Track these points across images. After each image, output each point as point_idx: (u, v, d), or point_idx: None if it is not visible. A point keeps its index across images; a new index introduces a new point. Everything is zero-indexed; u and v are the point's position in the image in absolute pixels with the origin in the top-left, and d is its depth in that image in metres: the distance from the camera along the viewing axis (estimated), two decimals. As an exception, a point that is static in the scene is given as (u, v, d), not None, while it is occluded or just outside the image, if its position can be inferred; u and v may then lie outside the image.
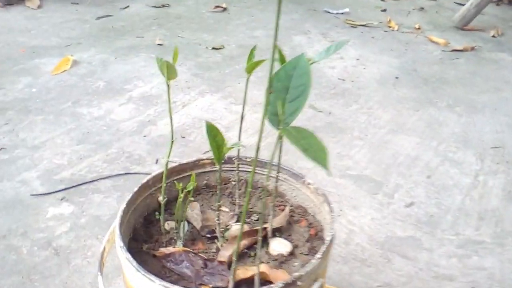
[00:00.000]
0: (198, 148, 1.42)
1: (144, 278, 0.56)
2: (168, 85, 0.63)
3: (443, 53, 2.31)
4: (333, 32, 2.48)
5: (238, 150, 0.74)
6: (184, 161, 0.77)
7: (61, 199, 1.18)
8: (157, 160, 1.36)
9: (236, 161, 0.76)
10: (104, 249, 0.66)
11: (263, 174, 0.80)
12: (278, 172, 0.70)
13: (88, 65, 1.95)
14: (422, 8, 3.08)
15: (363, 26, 2.63)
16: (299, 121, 1.72)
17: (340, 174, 1.35)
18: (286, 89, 0.54)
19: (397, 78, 2.01)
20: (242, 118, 0.71)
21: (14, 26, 2.35)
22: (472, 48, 2.39)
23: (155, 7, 2.76)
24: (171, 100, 1.70)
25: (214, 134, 0.62)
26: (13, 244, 1.03)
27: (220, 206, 0.70)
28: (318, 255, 0.60)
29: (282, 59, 0.62)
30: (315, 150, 0.48)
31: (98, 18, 2.53)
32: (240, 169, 0.79)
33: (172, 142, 0.67)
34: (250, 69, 0.63)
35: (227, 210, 0.78)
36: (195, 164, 0.78)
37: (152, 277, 0.55)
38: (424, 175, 1.38)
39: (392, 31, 2.59)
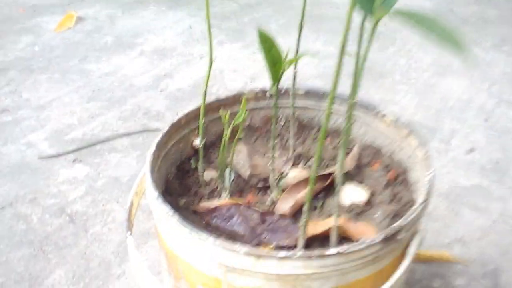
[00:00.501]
0: (223, 100, 1.26)
1: (192, 236, 0.41)
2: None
3: (479, -8, 2.10)
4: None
5: (295, 73, 0.58)
6: (223, 96, 0.61)
7: (73, 161, 1.03)
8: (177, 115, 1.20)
9: (289, 92, 0.60)
10: (132, 204, 0.51)
11: (320, 110, 0.64)
12: (353, 99, 0.54)
13: (93, 21, 1.78)
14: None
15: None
16: (328, 69, 1.53)
17: (386, 121, 1.18)
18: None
19: (433, 19, 1.81)
20: (302, 20, 0.54)
21: (12, -13, 2.18)
22: (510, -14, 2.16)
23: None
24: (201, 66, 1.53)
25: (269, 47, 0.46)
26: (22, 212, 0.89)
27: (274, 146, 0.54)
28: (420, 199, 0.44)
29: None
30: (442, 34, 0.32)
31: (101, -26, 2.33)
32: (280, 104, 0.63)
33: (211, 62, 0.51)
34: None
35: (277, 155, 0.62)
36: (236, 99, 0.62)
37: (204, 235, 0.40)
38: (481, 118, 1.22)
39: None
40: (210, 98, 0.62)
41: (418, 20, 0.33)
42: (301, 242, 0.46)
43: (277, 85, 0.48)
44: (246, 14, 1.84)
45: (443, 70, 1.45)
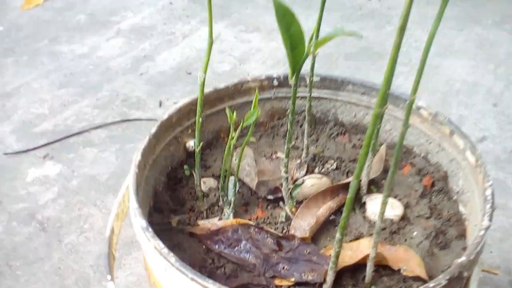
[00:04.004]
0: (210, 85, 1.14)
1: (193, 284, 0.30)
2: None
3: (475, -34, 2.00)
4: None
5: (314, 58, 0.47)
6: (221, 85, 0.50)
7: (44, 157, 0.91)
8: (160, 103, 1.09)
9: (307, 79, 0.49)
10: (112, 231, 0.40)
11: (337, 101, 0.53)
12: (386, 92, 0.43)
13: (64, -3, 1.63)
14: None
15: None
16: (327, 48, 1.44)
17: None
18: None
19: (429, -5, 1.71)
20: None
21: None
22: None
23: None
24: (185, 46, 1.41)
25: (288, 23, 0.35)
26: (-16, 220, 0.78)
27: (289, 149, 0.44)
28: (485, 222, 0.35)
29: None
30: None
31: None
32: (303, 97, 0.53)
33: (211, 43, 0.40)
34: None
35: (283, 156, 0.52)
36: (237, 89, 0.52)
37: (210, 283, 0.30)
38: (489, 103, 1.13)
39: None
40: (205, 88, 0.51)
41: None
42: (330, 278, 0.36)
43: (298, 74, 0.37)
44: (231, -11, 1.71)
45: (445, 50, 1.36)
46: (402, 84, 1.19)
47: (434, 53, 1.34)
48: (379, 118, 0.31)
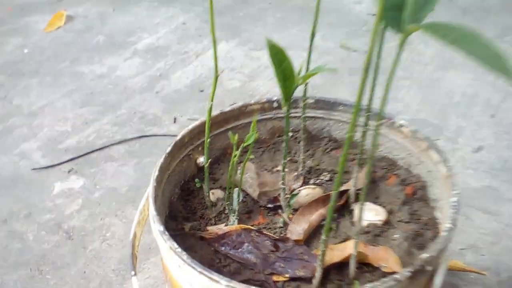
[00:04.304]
0: (221, 101, 1.22)
1: (202, 276, 0.37)
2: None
3: (478, -20, 2.06)
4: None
5: (306, 85, 0.54)
6: (227, 108, 0.58)
7: (69, 172, 0.99)
8: (175, 119, 1.16)
9: (302, 102, 0.56)
10: (135, 235, 0.47)
11: (330, 119, 0.60)
12: (369, 112, 0.50)
13: (84, 19, 1.72)
14: None
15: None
16: (333, 63, 1.50)
17: (390, 119, 1.15)
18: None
19: (432, 10, 1.77)
20: (313, 35, 0.51)
21: (-2, -15, 2.11)
22: (509, -27, 2.12)
23: (151, -46, 2.49)
24: (205, 53, 1.49)
25: (280, 60, 0.42)
26: (17, 230, 0.85)
27: (285, 164, 0.51)
28: (447, 225, 0.41)
29: None
30: (485, 54, 0.28)
31: (90, -30, 2.27)
32: (299, 116, 0.60)
33: (217, 76, 0.47)
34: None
35: (286, 170, 0.58)
36: (241, 111, 0.59)
37: (215, 276, 0.37)
38: (487, 114, 1.18)
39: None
40: (213, 109, 0.58)
41: (458, 36, 0.29)
42: (319, 273, 0.43)
43: (289, 102, 0.44)
44: (241, 8, 1.79)
45: (446, 63, 1.42)
46: (403, 97, 1.25)
47: (436, 66, 1.40)
48: (350, 140, 0.37)
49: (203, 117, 0.55)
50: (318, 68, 0.42)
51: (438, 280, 0.41)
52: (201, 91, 1.28)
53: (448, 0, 1.86)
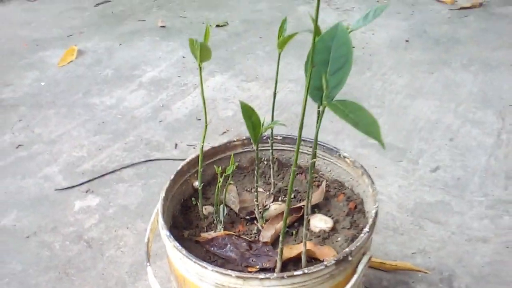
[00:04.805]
0: (215, 129, 1.41)
1: (196, 265, 0.55)
2: (200, 68, 0.61)
3: (451, 12, 2.26)
4: None
5: (272, 129, 0.73)
6: (216, 144, 0.76)
7: (86, 192, 1.17)
8: (176, 145, 1.35)
9: (269, 140, 0.74)
10: (149, 239, 0.65)
11: (294, 151, 0.78)
12: (315, 147, 0.68)
13: (93, 53, 1.92)
14: (424, -33, 3.00)
15: (367, -9, 2.57)
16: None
17: (361, 144, 1.33)
18: (326, 62, 0.52)
19: (407, 41, 1.97)
20: (274, 95, 0.69)
21: (14, 20, 2.32)
22: (480, 4, 2.33)
23: (152, -11, 2.71)
24: (203, 84, 1.68)
25: (249, 115, 0.61)
26: (45, 240, 1.03)
27: (257, 187, 0.69)
28: (366, 229, 0.59)
29: (317, 31, 0.59)
30: (366, 124, 0.46)
31: (97, 4, 2.48)
32: (269, 148, 0.78)
33: (206, 126, 0.65)
34: (282, 44, 0.61)
35: (261, 190, 0.77)
36: (227, 147, 0.77)
37: (204, 264, 0.55)
38: (447, 138, 1.37)
39: (397, -7, 2.53)
40: (208, 136, 0.76)
41: (351, 110, 0.47)
42: (279, 265, 0.61)
43: (257, 144, 0.63)
44: (235, 42, 1.98)
45: (415, 92, 1.60)
46: (374, 124, 1.43)
47: (406, 95, 1.58)
48: (294, 173, 0.55)
49: (200, 143, 0.73)
50: (273, 123, 0.60)
51: (360, 268, 0.58)
52: (198, 119, 1.47)
53: (422, 32, 2.06)
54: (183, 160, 0.75)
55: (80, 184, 1.19)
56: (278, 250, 0.60)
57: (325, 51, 0.52)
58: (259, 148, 0.79)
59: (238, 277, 0.53)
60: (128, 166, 1.26)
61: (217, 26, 2.14)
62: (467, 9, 2.29)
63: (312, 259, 0.64)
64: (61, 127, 1.45)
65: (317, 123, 0.55)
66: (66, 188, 1.18)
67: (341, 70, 0.51)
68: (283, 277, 0.53)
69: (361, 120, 0.46)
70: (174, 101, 1.57)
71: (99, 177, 1.22)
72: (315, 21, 0.47)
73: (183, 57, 1.86)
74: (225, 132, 1.39)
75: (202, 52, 0.57)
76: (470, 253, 1.00)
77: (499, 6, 2.32)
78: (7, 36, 2.12)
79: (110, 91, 1.64)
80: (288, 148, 0.79)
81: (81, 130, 1.43)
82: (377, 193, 0.65)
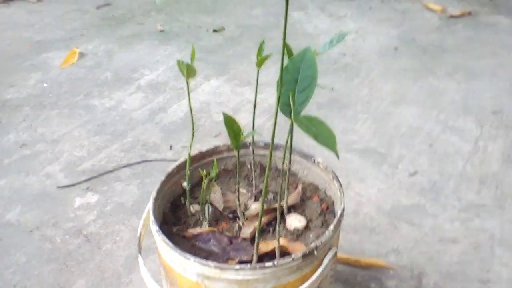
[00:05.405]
0: (209, 132, 1.49)
1: (180, 256, 0.63)
2: (187, 83, 0.69)
3: (440, 21, 2.34)
4: (331, 6, 2.51)
5: (253, 136, 0.81)
6: (204, 149, 0.84)
7: (86, 189, 1.25)
8: (171, 147, 1.43)
9: (251, 146, 0.83)
10: (141, 233, 0.73)
11: (275, 156, 0.86)
12: (290, 154, 0.76)
13: (94, 56, 2.00)
14: (418, -25, 3.08)
15: (360, -2, 2.65)
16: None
17: (346, 148, 1.41)
18: (296, 81, 0.60)
19: (396, 49, 2.05)
20: (254, 107, 0.77)
21: (18, 21, 2.39)
22: (469, 13, 2.41)
23: (153, -8, 2.78)
24: (190, 99, 1.75)
25: (231, 125, 0.69)
26: (47, 234, 1.11)
27: (239, 188, 0.77)
28: (331, 228, 0.67)
29: (289, 53, 0.68)
30: (325, 137, 0.54)
31: (98, 7, 2.56)
32: (254, 153, 0.86)
33: (193, 133, 0.73)
34: (260, 63, 0.69)
35: (244, 191, 0.85)
36: (214, 151, 0.85)
37: (188, 255, 0.63)
38: (426, 144, 1.45)
39: (389, 0, 2.62)
40: (195, 148, 0.84)
41: (313, 125, 0.55)
42: (255, 258, 0.69)
43: (238, 150, 0.71)
44: (230, 47, 2.07)
45: (400, 98, 1.68)
46: (359, 129, 1.51)
47: (391, 102, 1.66)
48: (267, 178, 0.63)
49: (193, 147, 0.81)
50: (251, 132, 0.68)
51: (325, 261, 0.66)
52: (193, 122, 1.55)
53: (411, 39, 2.14)
54: (176, 161, 0.83)
55: (80, 182, 1.28)
56: (255, 245, 0.68)
57: (295, 71, 0.60)
58: (244, 154, 0.87)
59: (216, 267, 0.61)
60: (125, 166, 1.34)
61: (214, 31, 2.22)
62: (456, 18, 2.37)
63: (286, 254, 0.72)
64: (63, 127, 1.53)
65: (288, 134, 0.63)
66: (67, 186, 1.26)
67: (307, 89, 0.59)
68: (255, 268, 0.61)
69: (320, 133, 0.54)
70: (170, 104, 1.65)
71: (98, 176, 1.30)
72: (283, 44, 0.55)
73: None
74: (218, 135, 1.47)
75: (188, 71, 0.65)
76: (440, 252, 1.08)
77: (487, 14, 2.40)
78: (12, 38, 2.20)
79: (110, 93, 1.71)
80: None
81: (82, 130, 1.51)
82: (344, 196, 0.73)
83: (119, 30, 2.25)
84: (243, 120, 1.55)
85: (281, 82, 0.57)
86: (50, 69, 1.90)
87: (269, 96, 1.67)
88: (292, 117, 0.59)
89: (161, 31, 2.24)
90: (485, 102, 1.65)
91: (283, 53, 0.55)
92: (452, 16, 2.38)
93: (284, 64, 0.58)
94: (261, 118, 1.55)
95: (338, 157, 0.52)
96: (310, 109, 1.61)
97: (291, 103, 0.58)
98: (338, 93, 1.70)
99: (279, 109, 0.58)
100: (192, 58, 0.68)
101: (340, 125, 1.53)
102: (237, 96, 1.69)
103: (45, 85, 1.79)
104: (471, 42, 2.11)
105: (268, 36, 2.13)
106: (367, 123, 1.54)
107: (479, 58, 1.96)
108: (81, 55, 2.01)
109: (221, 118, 1.56)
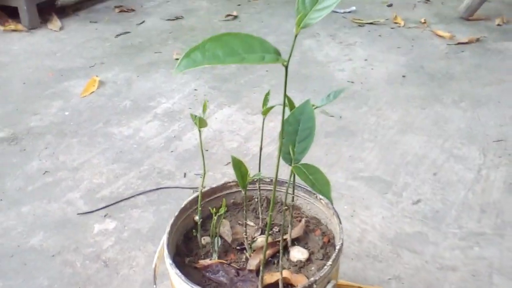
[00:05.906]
0: (221, 160, 1.56)
1: (191, 288, 0.70)
2: (200, 131, 0.76)
3: (448, 47, 2.40)
4: (341, 33, 2.59)
5: (259, 174, 0.87)
6: (214, 185, 0.91)
7: (104, 216, 1.33)
8: (185, 174, 1.50)
9: (257, 184, 0.89)
10: (156, 265, 0.80)
11: (282, 191, 0.93)
12: (293, 190, 0.83)
13: (113, 84, 2.10)
14: (428, 0, 3.15)
15: (370, 24, 2.72)
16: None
17: (352, 176, 1.47)
18: (296, 132, 0.67)
19: (404, 76, 2.11)
20: (260, 150, 0.84)
21: (40, 50, 2.51)
22: (477, 40, 2.46)
23: (169, 20, 2.89)
24: (203, 146, 1.83)
25: (239, 166, 0.75)
26: (68, 259, 1.19)
27: (246, 222, 0.83)
28: (329, 262, 0.73)
29: (291, 105, 0.75)
30: (321, 184, 0.61)
31: (117, 35, 2.67)
32: (261, 188, 0.93)
33: (204, 174, 0.80)
34: (266, 112, 0.76)
35: (252, 224, 0.91)
36: (224, 187, 0.92)
37: (198, 287, 0.69)
38: (431, 172, 1.50)
39: (399, 27, 2.68)
40: (207, 176, 0.91)
41: (310, 173, 0.62)
42: (260, 288, 0.75)
43: (245, 190, 0.77)
44: (243, 75, 2.15)
45: (407, 127, 1.74)
46: (365, 157, 1.57)
47: (398, 130, 1.72)
48: (271, 218, 0.69)
49: (206, 175, 0.88)
50: (257, 174, 0.75)
51: (325, 294, 0.72)
52: (206, 150, 1.62)
53: (419, 67, 2.20)
54: (190, 188, 0.91)
55: (99, 209, 1.35)
56: (259, 277, 0.74)
57: (295, 123, 0.67)
58: (253, 188, 0.94)
59: (223, 299, 0.68)
60: (141, 193, 1.41)
61: (227, 59, 2.30)
62: (464, 44, 2.42)
63: (289, 285, 0.78)
64: (83, 155, 1.61)
65: (289, 178, 0.70)
66: (86, 213, 1.34)
67: (306, 139, 0.66)
68: (259, 300, 0.68)
69: (317, 181, 0.61)
70: (184, 132, 1.72)
71: (115, 203, 1.37)
72: (284, 102, 0.62)
73: (195, 89, 2.03)
74: (229, 163, 1.54)
75: (200, 122, 0.72)
76: (440, 280, 1.12)
77: (495, 41, 2.45)
78: (35, 66, 2.31)
79: (128, 122, 1.80)
80: (276, 189, 0.93)
81: (101, 158, 1.59)
82: (343, 231, 0.79)
83: (137, 59, 2.35)
84: (254, 148, 1.61)
85: (282, 134, 0.64)
86: (71, 97, 2.00)
87: (279, 125, 1.73)
88: (292, 166, 0.65)
89: (177, 59, 2.33)
90: (490, 130, 1.70)
91: (284, 107, 0.62)
92: (460, 43, 2.44)
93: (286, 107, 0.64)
94: (271, 146, 1.61)
95: (331, 202, 0.59)
96: (318, 138, 1.67)
97: (291, 153, 0.65)
98: (346, 121, 1.76)
99: (281, 157, 0.65)
100: (204, 111, 0.75)
101: (347, 152, 1.59)
102: (249, 124, 1.76)
103: (66, 113, 1.88)
104: (478, 69, 2.16)
105: (280, 65, 2.20)
106: (374, 151, 1.60)
107: (486, 85, 2.01)
108: (101, 83, 2.11)
109: (233, 145, 1.64)
